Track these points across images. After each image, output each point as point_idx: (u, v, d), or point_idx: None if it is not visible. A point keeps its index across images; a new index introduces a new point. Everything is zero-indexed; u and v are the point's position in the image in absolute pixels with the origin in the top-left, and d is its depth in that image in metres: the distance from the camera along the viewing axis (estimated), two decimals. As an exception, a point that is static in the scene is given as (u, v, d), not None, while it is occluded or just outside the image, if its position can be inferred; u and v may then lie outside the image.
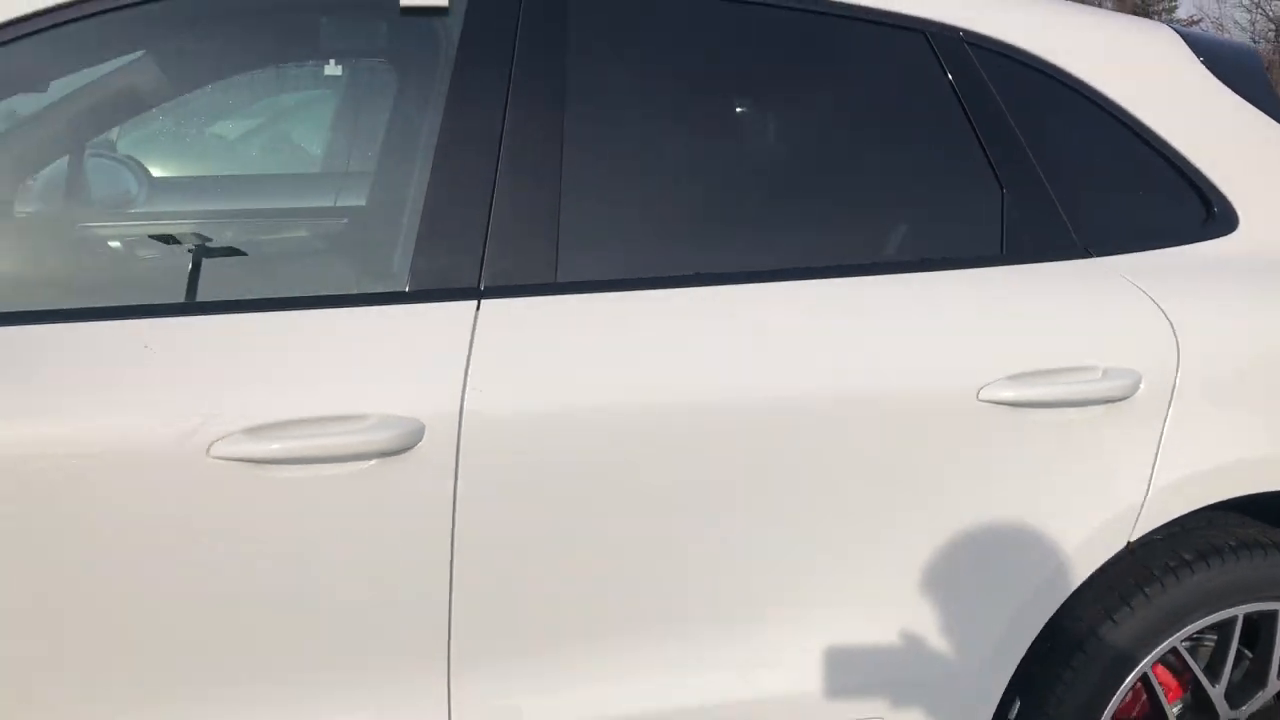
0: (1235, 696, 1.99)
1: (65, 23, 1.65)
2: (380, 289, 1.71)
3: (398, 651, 1.64)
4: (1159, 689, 1.94)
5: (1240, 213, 2.00)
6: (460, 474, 1.60)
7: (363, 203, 1.80)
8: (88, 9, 1.66)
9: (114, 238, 2.23)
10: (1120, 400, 1.81)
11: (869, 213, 1.86)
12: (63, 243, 2.10)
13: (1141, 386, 1.81)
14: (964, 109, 1.91)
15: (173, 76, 1.92)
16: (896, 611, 1.80)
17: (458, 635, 1.65)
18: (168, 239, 1.83)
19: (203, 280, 1.71)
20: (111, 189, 2.95)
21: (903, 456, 1.74)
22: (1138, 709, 1.99)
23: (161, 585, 1.55)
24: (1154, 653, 1.90)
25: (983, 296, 1.82)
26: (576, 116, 1.75)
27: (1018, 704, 1.91)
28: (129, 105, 1.95)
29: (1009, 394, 1.76)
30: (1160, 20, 2.63)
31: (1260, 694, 1.99)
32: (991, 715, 1.86)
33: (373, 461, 1.57)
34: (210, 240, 1.75)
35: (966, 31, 1.95)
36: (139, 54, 1.85)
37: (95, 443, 1.50)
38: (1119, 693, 1.90)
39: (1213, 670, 1.98)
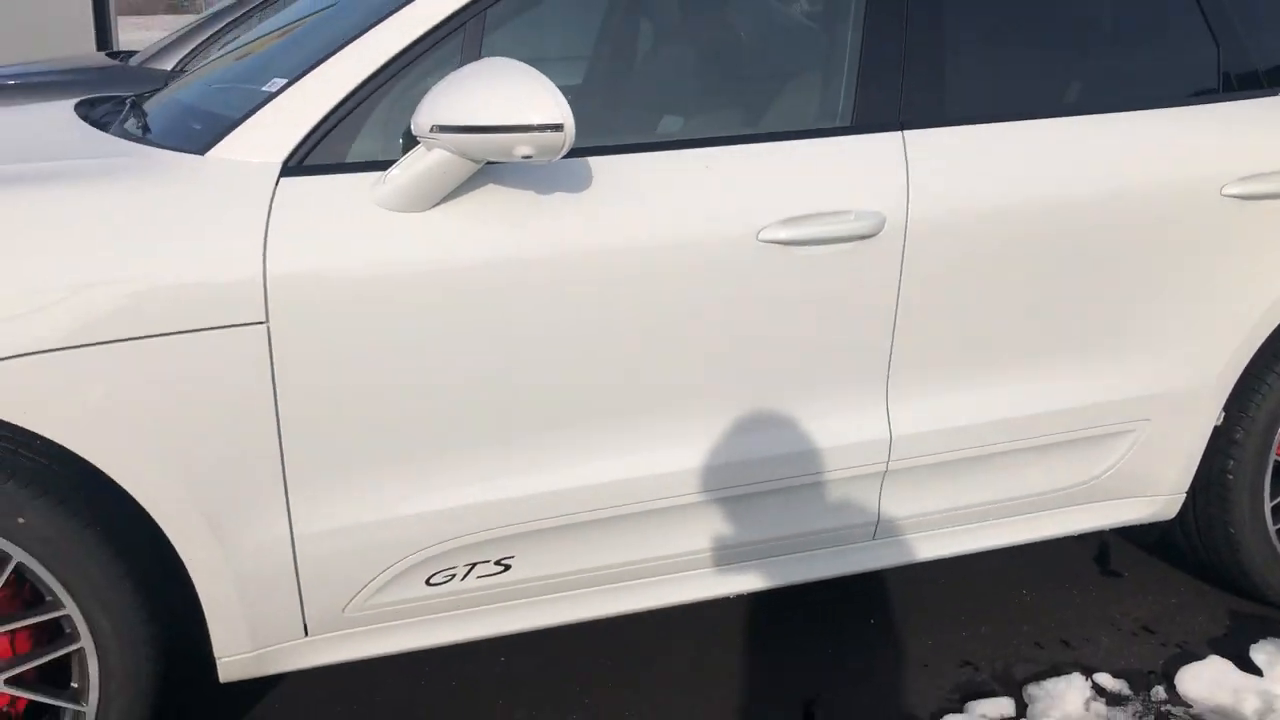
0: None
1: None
2: (834, 125, 2.37)
3: (855, 373, 2.37)
4: (1318, 399, 2.79)
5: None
6: (906, 251, 2.31)
7: (814, 61, 2.46)
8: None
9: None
10: (1309, 195, 2.61)
11: (1147, 63, 2.59)
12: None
13: (1322, 185, 2.61)
14: None
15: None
16: (1164, 348, 2.59)
17: (896, 360, 2.39)
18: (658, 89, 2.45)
19: (711, 122, 2.36)
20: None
21: (1170, 238, 2.51)
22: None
23: (714, 333, 2.23)
24: (1318, 375, 2.75)
25: (1215, 123, 2.58)
26: None
27: (1223, 414, 2.74)
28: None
29: (1240, 190, 2.54)
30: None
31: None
32: (1213, 419, 2.69)
33: (853, 243, 2.27)
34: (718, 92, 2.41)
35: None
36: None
37: (685, 232, 2.16)
38: (1293, 403, 2.75)
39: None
